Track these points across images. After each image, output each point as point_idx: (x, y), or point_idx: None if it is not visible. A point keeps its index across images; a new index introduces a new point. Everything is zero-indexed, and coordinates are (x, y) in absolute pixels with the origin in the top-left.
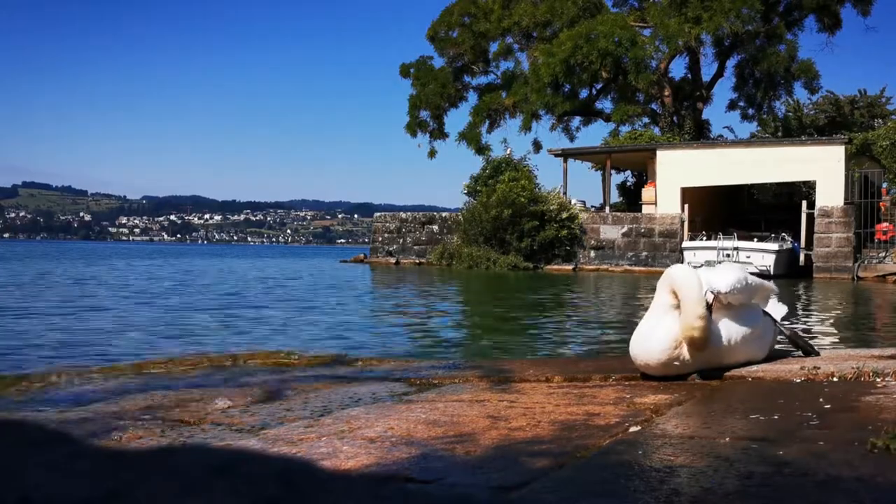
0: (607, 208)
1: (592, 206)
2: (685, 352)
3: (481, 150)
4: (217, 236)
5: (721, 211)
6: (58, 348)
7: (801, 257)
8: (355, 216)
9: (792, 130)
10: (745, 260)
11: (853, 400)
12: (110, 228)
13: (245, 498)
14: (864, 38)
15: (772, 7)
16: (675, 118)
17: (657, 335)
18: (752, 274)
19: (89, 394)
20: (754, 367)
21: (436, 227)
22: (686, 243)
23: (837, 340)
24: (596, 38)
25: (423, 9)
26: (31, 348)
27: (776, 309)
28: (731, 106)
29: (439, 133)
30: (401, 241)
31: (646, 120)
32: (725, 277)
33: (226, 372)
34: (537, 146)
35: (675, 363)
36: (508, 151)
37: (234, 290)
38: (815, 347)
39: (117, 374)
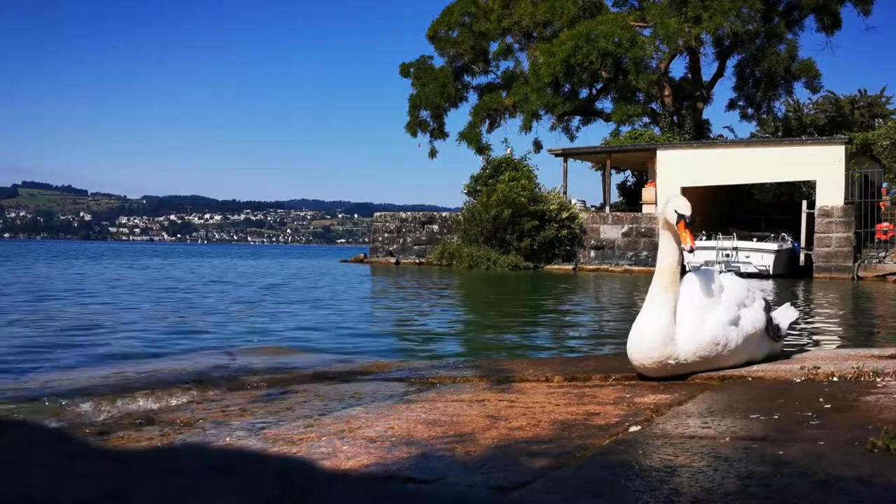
0: (607, 208)
1: (592, 206)
2: (679, 350)
3: (481, 149)
4: (217, 236)
5: (721, 211)
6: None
7: (801, 257)
8: (355, 216)
9: (792, 130)
10: (745, 260)
11: (853, 400)
12: (110, 228)
13: (245, 498)
14: (864, 38)
15: (772, 7)
16: (675, 118)
17: (648, 332)
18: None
19: (90, 392)
20: (754, 367)
21: (436, 227)
22: None
23: (837, 340)
24: (596, 37)
25: (423, 9)
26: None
27: (787, 314)
28: (731, 106)
29: (439, 133)
30: (401, 240)
31: (646, 120)
32: (694, 341)
33: (224, 369)
34: (537, 146)
35: (670, 362)
36: (509, 151)
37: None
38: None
39: (118, 373)
